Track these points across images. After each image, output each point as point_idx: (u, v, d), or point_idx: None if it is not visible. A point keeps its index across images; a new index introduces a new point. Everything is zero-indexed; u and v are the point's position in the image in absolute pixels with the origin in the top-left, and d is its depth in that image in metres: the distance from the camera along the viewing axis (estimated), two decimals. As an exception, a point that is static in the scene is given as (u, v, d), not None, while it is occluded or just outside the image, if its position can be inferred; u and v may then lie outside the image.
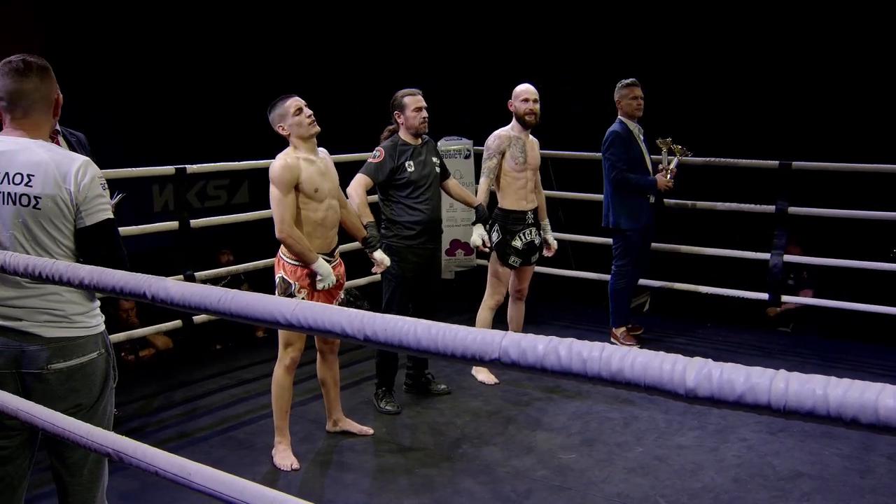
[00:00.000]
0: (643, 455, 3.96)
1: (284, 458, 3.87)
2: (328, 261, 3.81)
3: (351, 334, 1.54)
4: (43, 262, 2.10)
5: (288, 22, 8.62)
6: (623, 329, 5.58)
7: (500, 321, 5.11)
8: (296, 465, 3.84)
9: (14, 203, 2.38)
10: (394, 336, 1.48)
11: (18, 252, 2.35)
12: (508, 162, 4.78)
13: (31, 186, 2.37)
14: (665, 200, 5.68)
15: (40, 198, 2.37)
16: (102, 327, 2.59)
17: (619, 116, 5.40)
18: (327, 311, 1.60)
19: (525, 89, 4.82)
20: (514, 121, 4.85)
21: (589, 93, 8.16)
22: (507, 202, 4.84)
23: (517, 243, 4.84)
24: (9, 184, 2.38)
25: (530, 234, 4.90)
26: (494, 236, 4.81)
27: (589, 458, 3.93)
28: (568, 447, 4.06)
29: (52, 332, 2.46)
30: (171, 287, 1.85)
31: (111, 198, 4.12)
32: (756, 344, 5.74)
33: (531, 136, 4.90)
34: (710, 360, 1.20)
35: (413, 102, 4.39)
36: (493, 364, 1.38)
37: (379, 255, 4.18)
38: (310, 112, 3.74)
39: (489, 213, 4.80)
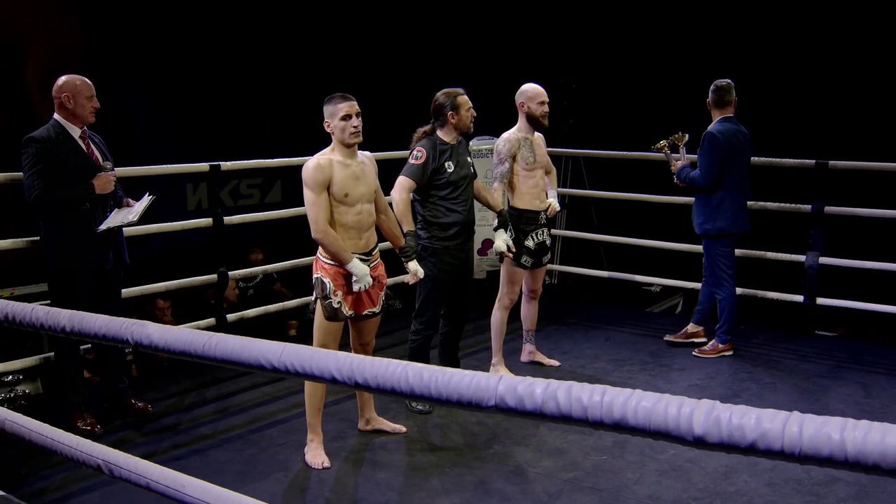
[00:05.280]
0: (675, 457, 3.92)
1: (316, 456, 3.90)
2: (364, 261, 3.80)
3: (341, 381, 1.51)
4: (22, 307, 2.08)
5: (323, 21, 8.66)
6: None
7: (513, 319, 5.15)
8: (327, 464, 3.86)
9: None
10: (385, 382, 1.45)
11: None
12: (519, 163, 4.78)
13: None
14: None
15: None
16: None
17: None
18: (315, 356, 1.56)
19: (541, 91, 4.80)
20: (522, 121, 4.82)
21: (621, 92, 8.13)
22: (520, 202, 4.84)
23: (529, 243, 4.84)
24: None
25: (542, 234, 4.91)
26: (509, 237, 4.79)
27: (621, 460, 3.91)
28: (599, 449, 4.04)
29: None
30: (154, 332, 1.81)
31: (140, 199, 4.17)
32: (792, 347, 5.66)
33: (536, 133, 4.89)
34: (717, 403, 1.14)
35: (466, 102, 4.41)
36: (491, 411, 1.33)
37: (414, 265, 4.17)
38: (357, 123, 3.70)
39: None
